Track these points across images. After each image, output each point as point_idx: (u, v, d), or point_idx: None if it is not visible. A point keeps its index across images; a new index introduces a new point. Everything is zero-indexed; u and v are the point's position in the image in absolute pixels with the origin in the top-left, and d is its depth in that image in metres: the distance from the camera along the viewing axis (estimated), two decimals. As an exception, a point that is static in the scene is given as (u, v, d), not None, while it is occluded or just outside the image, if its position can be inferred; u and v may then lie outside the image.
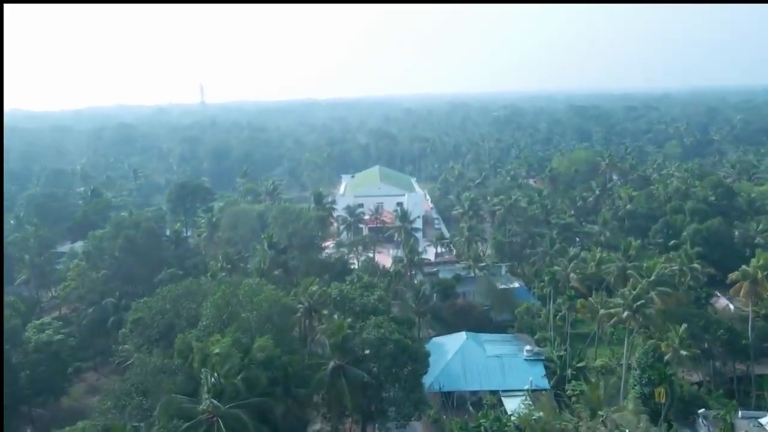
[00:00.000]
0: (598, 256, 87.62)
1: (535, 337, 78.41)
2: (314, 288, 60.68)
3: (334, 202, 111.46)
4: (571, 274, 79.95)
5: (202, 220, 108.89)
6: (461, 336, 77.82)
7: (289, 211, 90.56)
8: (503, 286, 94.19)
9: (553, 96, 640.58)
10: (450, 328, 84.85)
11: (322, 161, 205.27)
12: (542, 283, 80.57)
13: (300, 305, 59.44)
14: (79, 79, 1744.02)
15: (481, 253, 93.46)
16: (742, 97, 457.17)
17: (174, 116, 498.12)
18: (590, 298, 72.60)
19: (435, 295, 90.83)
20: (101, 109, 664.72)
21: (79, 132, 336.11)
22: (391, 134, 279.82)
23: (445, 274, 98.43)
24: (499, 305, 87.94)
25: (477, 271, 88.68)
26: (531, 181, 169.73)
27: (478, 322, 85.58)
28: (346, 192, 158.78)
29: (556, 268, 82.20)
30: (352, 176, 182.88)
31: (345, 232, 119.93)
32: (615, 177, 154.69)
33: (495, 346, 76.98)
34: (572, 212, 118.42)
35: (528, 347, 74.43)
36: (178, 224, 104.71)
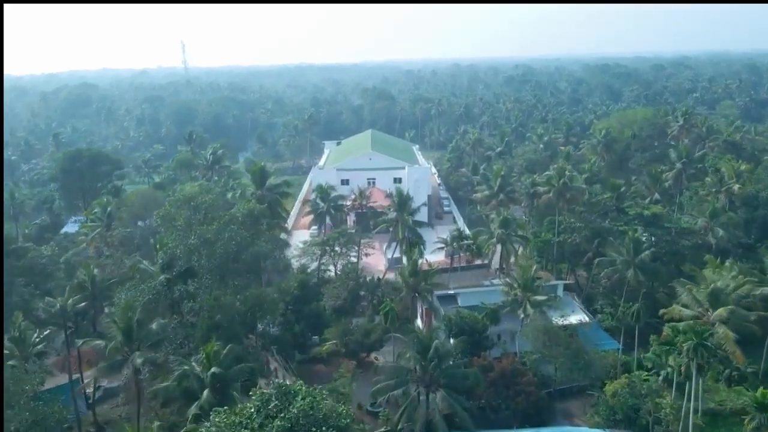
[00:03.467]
0: (730, 278, 50.36)
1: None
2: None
3: (285, 184, 72.52)
4: (721, 328, 42.35)
5: (95, 210, 71.14)
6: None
7: (197, 204, 52.04)
8: (564, 321, 56.51)
9: (560, 59, 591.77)
10: (480, 406, 48.50)
11: (303, 125, 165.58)
12: (664, 347, 42.78)
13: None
14: (67, 42, 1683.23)
15: (537, 277, 54.60)
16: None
17: (153, 79, 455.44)
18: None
19: (451, 339, 53.88)
20: (84, 72, 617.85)
21: (35, 94, 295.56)
22: (390, 94, 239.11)
23: (467, 300, 61.07)
24: (567, 365, 50.43)
25: (529, 307, 50.83)
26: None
27: (530, 400, 48.55)
28: (327, 164, 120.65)
29: (683, 310, 44.64)
30: (338, 143, 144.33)
31: (318, 224, 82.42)
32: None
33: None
34: (657, 197, 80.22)
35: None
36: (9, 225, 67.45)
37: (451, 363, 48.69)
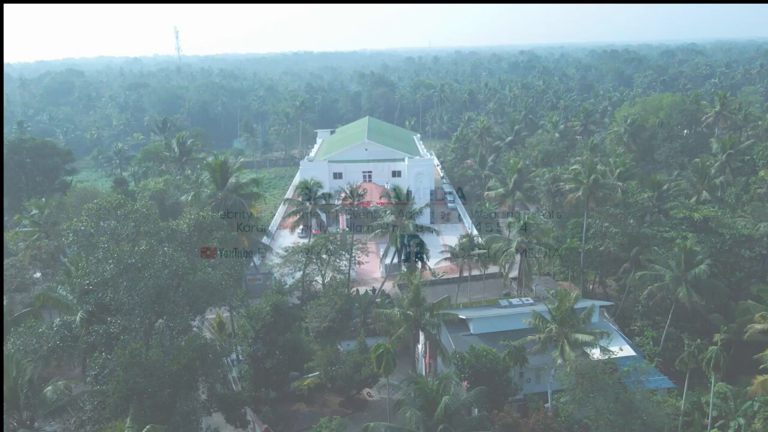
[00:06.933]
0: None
1: None
2: None
3: (253, 183, 59.90)
4: None
5: (33, 212, 59.13)
6: None
7: (125, 213, 39.06)
8: (606, 355, 44.31)
9: (564, 47, 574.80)
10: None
11: (295, 112, 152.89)
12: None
13: None
14: (65, 31, 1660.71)
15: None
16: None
17: (145, 66, 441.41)
18: None
19: (464, 383, 42.03)
20: (78, 60, 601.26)
21: (15, 81, 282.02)
22: (389, 80, 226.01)
23: (481, 326, 49.24)
24: (617, 425, 38.43)
25: (569, 350, 38.74)
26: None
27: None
28: (318, 155, 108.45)
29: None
30: (332, 132, 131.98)
31: (303, 227, 70.38)
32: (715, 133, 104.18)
33: None
34: (705, 195, 67.94)
35: None
36: None
37: (465, 419, 37.10)
